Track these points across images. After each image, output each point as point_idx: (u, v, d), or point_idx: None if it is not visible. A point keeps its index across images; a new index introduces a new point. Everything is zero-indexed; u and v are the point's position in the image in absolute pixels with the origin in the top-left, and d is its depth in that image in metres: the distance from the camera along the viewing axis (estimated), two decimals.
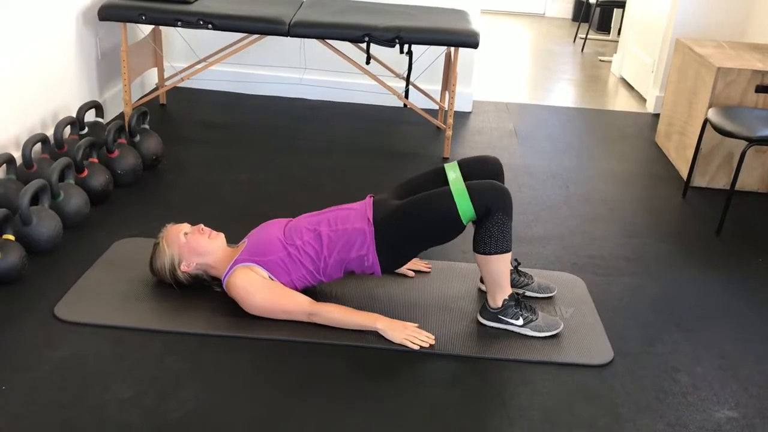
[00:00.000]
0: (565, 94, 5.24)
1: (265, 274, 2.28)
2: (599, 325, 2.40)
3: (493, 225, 2.19)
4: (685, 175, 3.71)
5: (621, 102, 5.11)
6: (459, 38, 3.49)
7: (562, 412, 2.01)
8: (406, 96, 3.80)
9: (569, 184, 3.58)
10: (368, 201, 2.36)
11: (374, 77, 3.74)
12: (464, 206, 2.18)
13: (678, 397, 2.10)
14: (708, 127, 3.43)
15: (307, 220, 2.35)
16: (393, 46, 3.51)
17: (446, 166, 2.43)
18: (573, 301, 2.52)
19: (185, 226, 2.42)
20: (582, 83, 5.56)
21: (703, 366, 2.25)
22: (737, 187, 3.57)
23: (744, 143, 3.39)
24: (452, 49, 3.91)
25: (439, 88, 4.52)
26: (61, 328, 2.21)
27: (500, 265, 2.25)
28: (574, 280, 2.67)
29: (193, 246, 2.36)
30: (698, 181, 3.63)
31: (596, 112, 4.83)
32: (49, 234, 2.56)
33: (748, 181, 3.61)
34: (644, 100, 5.08)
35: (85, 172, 2.93)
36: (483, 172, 2.42)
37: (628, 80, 5.53)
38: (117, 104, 4.05)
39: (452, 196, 2.19)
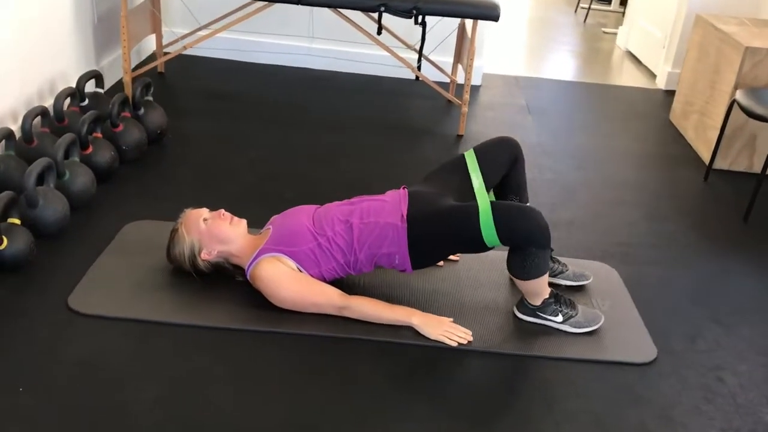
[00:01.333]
0: (570, 66, 5.11)
1: (293, 265, 2.15)
2: (638, 319, 2.31)
3: (526, 257, 2.07)
4: (704, 157, 3.61)
5: (628, 77, 4.99)
6: (480, 11, 3.34)
7: (610, 415, 1.92)
8: (419, 68, 3.64)
9: (587, 166, 3.47)
10: (402, 193, 2.23)
11: (387, 48, 3.58)
12: (490, 237, 2.05)
13: (727, 399, 2.02)
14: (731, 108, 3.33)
15: (339, 209, 2.21)
16: (410, 17, 3.35)
17: (467, 159, 2.33)
18: (609, 293, 2.43)
19: (205, 212, 2.28)
20: (586, 56, 5.43)
21: (747, 364, 2.18)
22: (758, 170, 3.48)
23: None
24: (468, 21, 3.75)
25: (449, 60, 4.36)
26: (76, 320, 2.07)
27: (537, 283, 2.15)
28: (607, 270, 2.57)
29: (215, 233, 2.22)
30: (719, 163, 3.54)
31: (606, 87, 4.71)
32: (56, 216, 2.40)
33: None
34: (654, 76, 4.96)
35: (90, 149, 2.75)
36: (501, 159, 2.36)
37: (635, 54, 5.40)
38: (114, 72, 3.84)
39: (479, 220, 2.05)
